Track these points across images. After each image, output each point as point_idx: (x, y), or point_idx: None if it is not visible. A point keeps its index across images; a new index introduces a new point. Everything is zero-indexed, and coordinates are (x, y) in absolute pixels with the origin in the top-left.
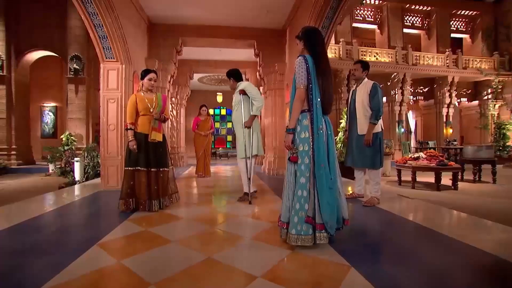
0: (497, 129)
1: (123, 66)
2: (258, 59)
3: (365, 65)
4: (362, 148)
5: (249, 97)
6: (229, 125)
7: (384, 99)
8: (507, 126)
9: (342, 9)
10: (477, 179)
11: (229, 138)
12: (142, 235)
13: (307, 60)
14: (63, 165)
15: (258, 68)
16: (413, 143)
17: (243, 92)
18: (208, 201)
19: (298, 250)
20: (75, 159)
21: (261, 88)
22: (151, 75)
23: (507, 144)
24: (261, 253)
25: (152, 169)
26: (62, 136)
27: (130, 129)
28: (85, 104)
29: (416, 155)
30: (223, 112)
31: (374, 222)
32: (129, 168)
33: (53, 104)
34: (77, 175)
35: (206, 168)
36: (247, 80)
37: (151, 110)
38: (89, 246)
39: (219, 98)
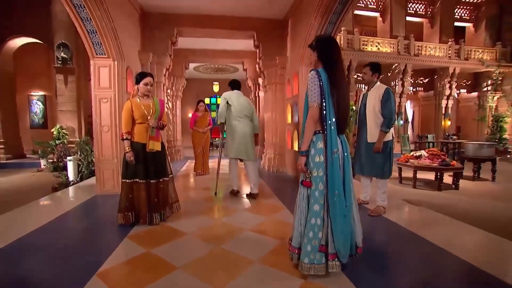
0: (495, 122)
1: (116, 62)
2: (257, 51)
3: (374, 67)
4: (371, 156)
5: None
6: None
7: None
8: (505, 118)
9: (353, 3)
10: (476, 176)
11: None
12: (145, 259)
13: (321, 75)
14: (55, 160)
15: (257, 60)
16: (410, 133)
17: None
18: (209, 209)
19: (311, 279)
20: (68, 158)
21: (260, 79)
22: (147, 79)
23: (504, 137)
24: (273, 284)
25: (151, 181)
26: (52, 130)
27: (127, 139)
28: (76, 96)
29: (418, 153)
30: (220, 101)
31: (383, 237)
32: (127, 181)
33: (41, 93)
34: (71, 174)
35: (204, 166)
36: (245, 70)
37: (149, 118)
38: (88, 277)
39: (216, 88)
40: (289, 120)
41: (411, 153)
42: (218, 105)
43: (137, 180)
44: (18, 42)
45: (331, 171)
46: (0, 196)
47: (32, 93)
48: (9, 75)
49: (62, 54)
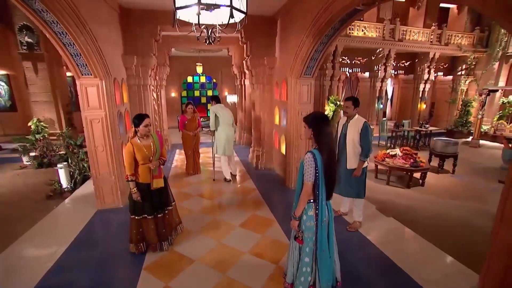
0: (463, 106)
1: (103, 81)
2: (245, 47)
3: (356, 102)
4: (349, 180)
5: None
6: (209, 92)
7: (367, 74)
8: (472, 103)
9: (344, 28)
10: (440, 169)
11: (209, 106)
12: None
13: (316, 158)
14: (38, 156)
15: (245, 57)
16: (388, 110)
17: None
18: (208, 227)
19: None
20: (59, 166)
21: (246, 81)
22: (147, 120)
23: (469, 120)
24: None
25: (159, 215)
26: (29, 124)
27: (132, 180)
28: (50, 85)
29: (393, 152)
30: (203, 79)
31: (359, 260)
32: (136, 217)
33: (2, 72)
34: (64, 181)
35: (195, 166)
36: (231, 56)
37: (150, 159)
38: None
39: (199, 69)
40: (277, 122)
41: (388, 151)
42: (201, 84)
43: (146, 216)
44: None
45: (320, 235)
46: None
47: None
48: None
49: (26, 38)
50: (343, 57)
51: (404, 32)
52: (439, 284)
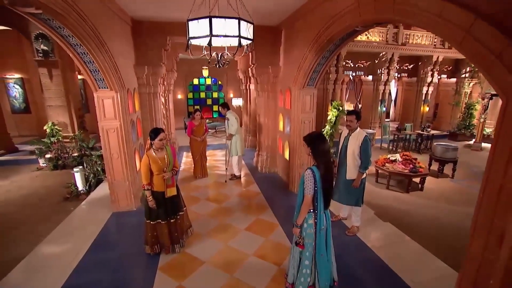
0: (466, 109)
1: (118, 94)
2: (250, 56)
3: (358, 116)
4: (348, 190)
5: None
6: (215, 94)
7: (370, 77)
8: (475, 106)
9: (345, 44)
10: (440, 173)
11: (215, 108)
12: None
13: (315, 174)
14: (53, 158)
15: (250, 64)
16: (392, 110)
17: (227, 119)
18: (215, 229)
19: None
20: (75, 169)
21: (252, 85)
22: (162, 135)
23: (472, 123)
24: None
25: (171, 220)
26: (45, 127)
27: (148, 189)
28: (64, 90)
29: (393, 157)
30: (208, 81)
31: (355, 263)
32: (151, 222)
33: (17, 75)
34: (80, 184)
35: (203, 170)
36: (236, 62)
37: (164, 170)
38: None
39: (205, 73)
40: (281, 128)
41: (388, 156)
42: (207, 86)
43: (160, 221)
44: None
45: (319, 241)
46: (14, 212)
47: (6, 76)
48: None
49: (42, 46)
50: (347, 61)
51: (408, 36)
52: (428, 287)
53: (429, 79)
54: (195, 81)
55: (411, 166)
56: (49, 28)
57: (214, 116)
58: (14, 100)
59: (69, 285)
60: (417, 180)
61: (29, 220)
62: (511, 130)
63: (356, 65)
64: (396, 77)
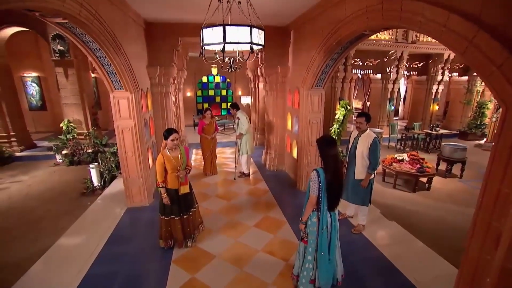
0: (478, 108)
1: (132, 95)
2: (259, 55)
3: (368, 118)
4: (356, 189)
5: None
6: (223, 92)
7: (379, 75)
8: (488, 105)
9: (354, 46)
10: (448, 173)
11: (224, 105)
12: (192, 285)
13: (320, 176)
14: (69, 154)
15: (259, 64)
16: (401, 109)
17: (237, 118)
18: (226, 226)
19: None
20: (91, 166)
21: (260, 84)
22: (174, 135)
23: (483, 122)
24: None
25: (184, 216)
26: (61, 125)
27: (163, 187)
28: (78, 89)
29: (400, 157)
30: (217, 79)
31: (360, 260)
32: (165, 218)
33: (34, 74)
34: (95, 180)
35: (213, 167)
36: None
37: (178, 169)
38: None
39: (214, 71)
40: (289, 127)
41: (395, 156)
42: (216, 84)
43: (173, 217)
44: (8, 32)
45: (320, 239)
46: (36, 206)
47: (24, 75)
48: (6, 68)
49: (58, 46)
50: (355, 59)
51: (418, 34)
52: (430, 285)
53: (439, 77)
54: (204, 79)
55: (418, 166)
56: (71, 34)
57: (223, 113)
58: (32, 98)
59: (90, 275)
60: (424, 180)
61: (50, 214)
62: (509, 138)
63: (365, 63)
64: (405, 75)
